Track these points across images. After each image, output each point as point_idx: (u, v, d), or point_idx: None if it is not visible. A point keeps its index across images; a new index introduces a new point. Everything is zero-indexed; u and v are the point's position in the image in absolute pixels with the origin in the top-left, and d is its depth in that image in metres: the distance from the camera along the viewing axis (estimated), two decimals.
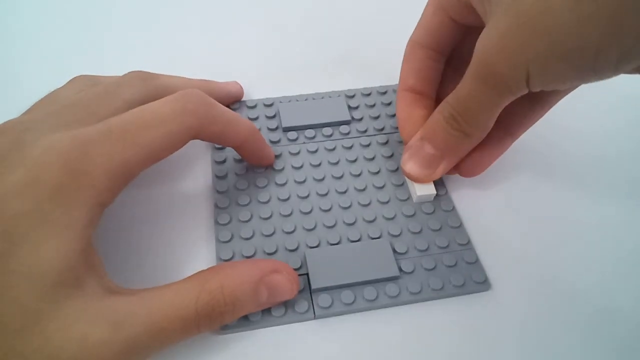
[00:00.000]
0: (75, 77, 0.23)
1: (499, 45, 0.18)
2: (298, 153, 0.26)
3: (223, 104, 0.26)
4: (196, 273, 0.19)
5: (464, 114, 0.21)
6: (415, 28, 0.25)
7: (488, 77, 0.19)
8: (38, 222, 0.16)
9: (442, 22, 0.23)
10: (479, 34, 0.19)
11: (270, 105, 0.29)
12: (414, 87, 0.25)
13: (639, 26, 0.16)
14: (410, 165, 0.24)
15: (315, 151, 0.26)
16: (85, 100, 0.21)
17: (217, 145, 0.26)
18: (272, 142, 0.27)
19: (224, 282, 0.18)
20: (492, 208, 0.25)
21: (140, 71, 0.23)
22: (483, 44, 0.19)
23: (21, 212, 0.16)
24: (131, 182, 0.19)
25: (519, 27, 0.17)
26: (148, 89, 0.23)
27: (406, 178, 0.25)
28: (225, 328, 0.20)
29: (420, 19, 0.25)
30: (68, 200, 0.17)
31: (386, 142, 0.27)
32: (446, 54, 0.25)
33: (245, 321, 0.20)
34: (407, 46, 0.25)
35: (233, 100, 0.29)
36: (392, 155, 0.26)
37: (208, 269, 0.19)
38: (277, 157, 0.26)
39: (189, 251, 0.23)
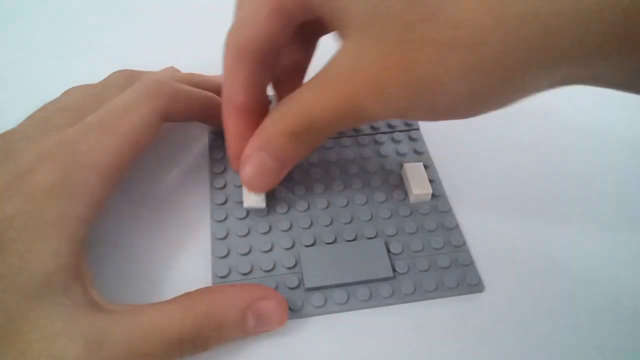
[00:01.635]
0: (68, 89, 0.23)
1: (370, 86, 0.16)
2: None
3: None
4: (182, 295, 0.18)
5: (310, 131, 0.19)
6: (238, 26, 0.19)
7: (351, 110, 0.17)
8: (30, 224, 0.16)
9: (279, 23, 0.19)
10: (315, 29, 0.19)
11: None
12: (245, 105, 0.21)
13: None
14: (250, 176, 0.21)
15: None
16: (73, 105, 0.21)
17: (215, 142, 0.26)
18: None
19: (210, 306, 0.18)
20: (489, 210, 0.25)
21: (125, 70, 0.24)
22: (350, 76, 0.17)
23: (13, 214, 0.16)
24: (122, 177, 0.20)
25: (394, 69, 0.15)
26: None
27: (404, 177, 0.25)
28: None
29: (244, 13, 0.19)
30: (61, 200, 0.17)
31: (384, 142, 0.27)
32: (278, 58, 0.21)
33: None
34: (229, 52, 0.20)
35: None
36: (389, 155, 0.26)
37: (194, 292, 0.19)
38: None
39: (183, 245, 0.23)
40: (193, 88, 0.23)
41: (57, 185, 0.17)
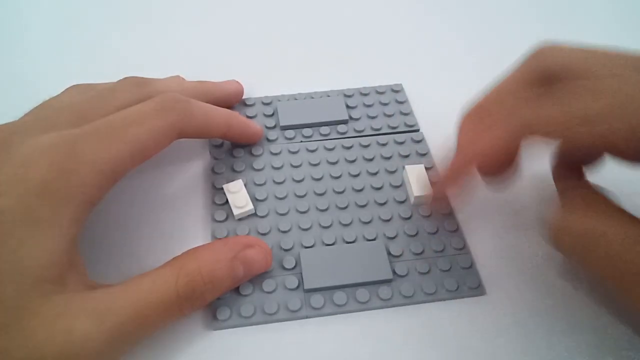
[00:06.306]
0: (70, 87, 0.23)
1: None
2: (297, 152, 0.26)
3: (223, 104, 0.26)
4: (172, 259, 0.19)
5: None
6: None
7: None
8: (23, 219, 0.16)
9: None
10: None
11: (269, 103, 0.28)
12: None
13: None
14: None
15: (315, 150, 0.26)
16: (76, 105, 0.21)
17: (216, 143, 0.26)
18: (269, 140, 0.27)
19: (200, 263, 0.19)
20: (490, 213, 0.24)
21: (135, 77, 0.23)
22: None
23: (5, 208, 0.16)
24: (119, 181, 0.20)
25: None
26: (142, 94, 0.22)
27: (405, 179, 0.25)
28: (217, 327, 0.20)
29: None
30: (55, 198, 0.17)
31: (386, 143, 0.27)
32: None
33: (238, 318, 0.20)
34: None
35: (233, 100, 0.28)
36: (391, 157, 0.26)
37: (183, 254, 0.20)
38: (276, 154, 0.26)
39: (185, 245, 0.23)
40: (211, 106, 0.23)
41: (51, 182, 0.17)
